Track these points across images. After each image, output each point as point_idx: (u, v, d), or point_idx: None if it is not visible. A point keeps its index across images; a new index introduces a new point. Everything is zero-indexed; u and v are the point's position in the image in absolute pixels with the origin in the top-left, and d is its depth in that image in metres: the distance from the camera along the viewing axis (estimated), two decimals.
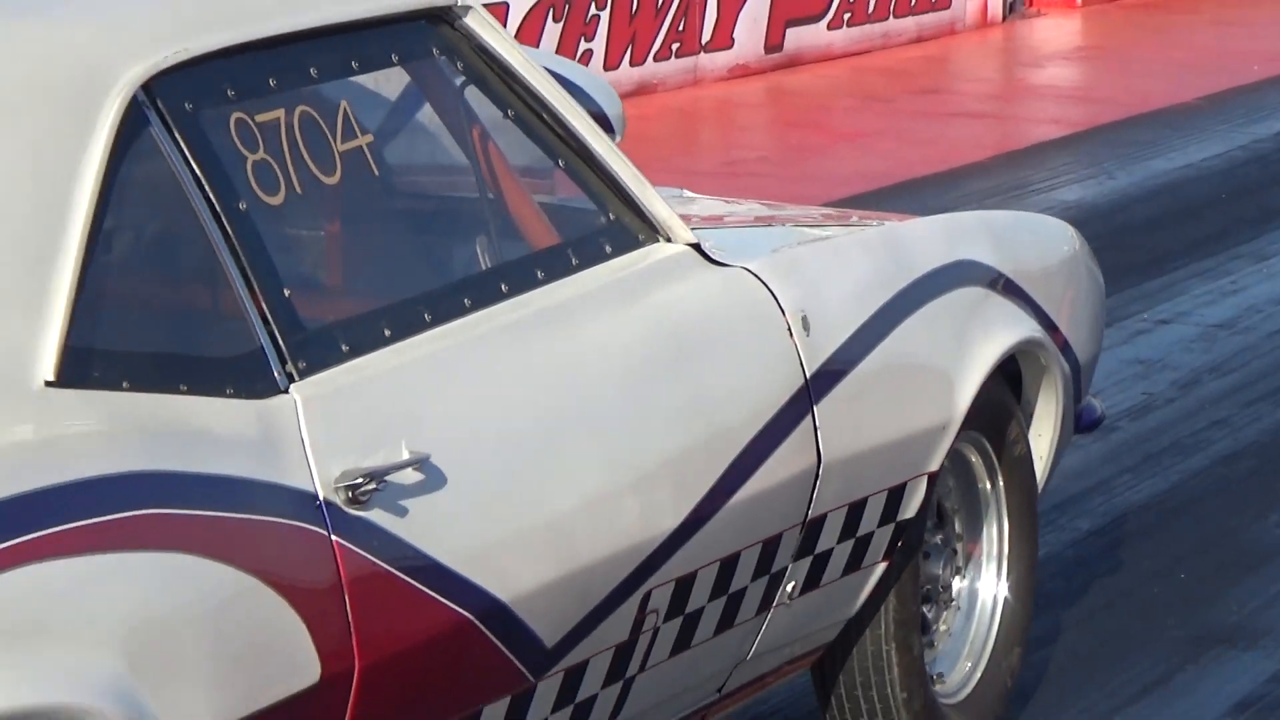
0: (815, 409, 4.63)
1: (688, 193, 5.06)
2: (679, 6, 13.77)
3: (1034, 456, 5.50)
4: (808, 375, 4.63)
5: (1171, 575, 6.27)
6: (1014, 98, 14.61)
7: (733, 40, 14.29)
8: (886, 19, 15.62)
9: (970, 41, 16.28)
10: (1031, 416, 5.55)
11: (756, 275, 4.63)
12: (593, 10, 13.00)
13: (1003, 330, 5.26)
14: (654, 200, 4.51)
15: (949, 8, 16.36)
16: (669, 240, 4.51)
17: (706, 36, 13.95)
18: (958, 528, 5.35)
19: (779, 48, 14.74)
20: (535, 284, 4.25)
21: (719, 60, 14.21)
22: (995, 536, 5.42)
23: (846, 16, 15.22)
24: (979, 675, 5.36)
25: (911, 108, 14.09)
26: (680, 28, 13.75)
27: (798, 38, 14.88)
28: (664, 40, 13.66)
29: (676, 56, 13.71)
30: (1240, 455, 7.27)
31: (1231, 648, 5.84)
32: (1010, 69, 15.95)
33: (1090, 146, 12.66)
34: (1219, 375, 8.09)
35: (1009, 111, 14.66)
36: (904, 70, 15.08)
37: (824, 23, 15.10)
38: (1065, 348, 5.54)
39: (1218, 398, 7.83)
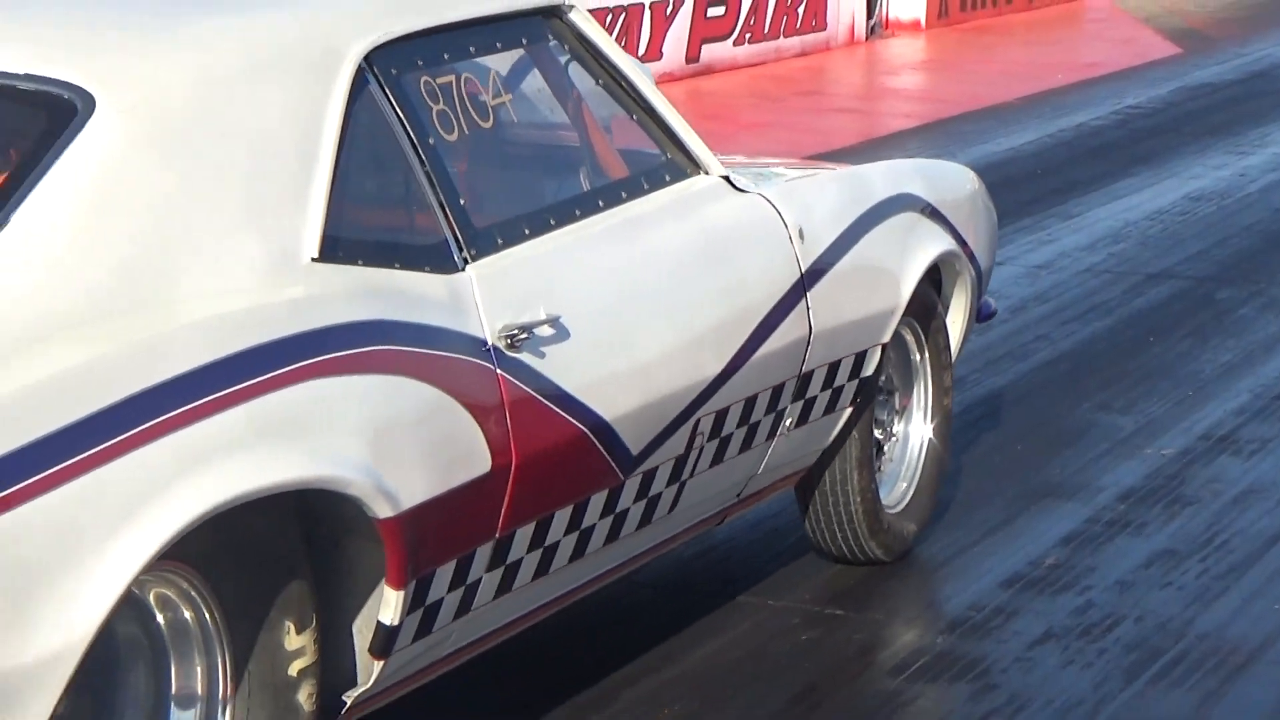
0: (808, 294, 4.79)
1: None
2: (621, 26, 13.69)
3: (950, 337, 5.67)
4: (803, 270, 4.79)
5: (1009, 448, 6.36)
6: (875, 98, 14.47)
7: (661, 54, 14.20)
8: (778, 38, 15.49)
9: (841, 55, 16.13)
10: (948, 308, 5.69)
11: (768, 199, 4.79)
12: None
13: (931, 244, 5.40)
14: (699, 145, 4.64)
15: (825, 29, 16.25)
16: (708, 174, 4.64)
17: (641, 51, 13.85)
18: (897, 385, 5.48)
19: (696, 59, 14.66)
20: (620, 201, 4.42)
21: (652, 69, 14.11)
22: (922, 393, 5.57)
23: (748, 35, 15.13)
24: (911, 492, 5.52)
25: (797, 106, 14.02)
26: (622, 44, 13.70)
27: (711, 52, 14.81)
28: None
29: None
30: (1058, 361, 7.35)
31: (1056, 499, 5.92)
32: (872, 76, 15.78)
33: (934, 135, 12.56)
34: (1041, 303, 8.14)
35: (871, 109, 14.54)
36: (791, 77, 14.96)
37: (730, 40, 15.02)
38: (971, 258, 5.66)
39: (1040, 319, 7.89)
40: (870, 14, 17.02)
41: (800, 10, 15.93)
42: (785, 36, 15.66)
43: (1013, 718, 4.54)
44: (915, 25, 17.58)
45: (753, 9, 15.27)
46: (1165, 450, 6.36)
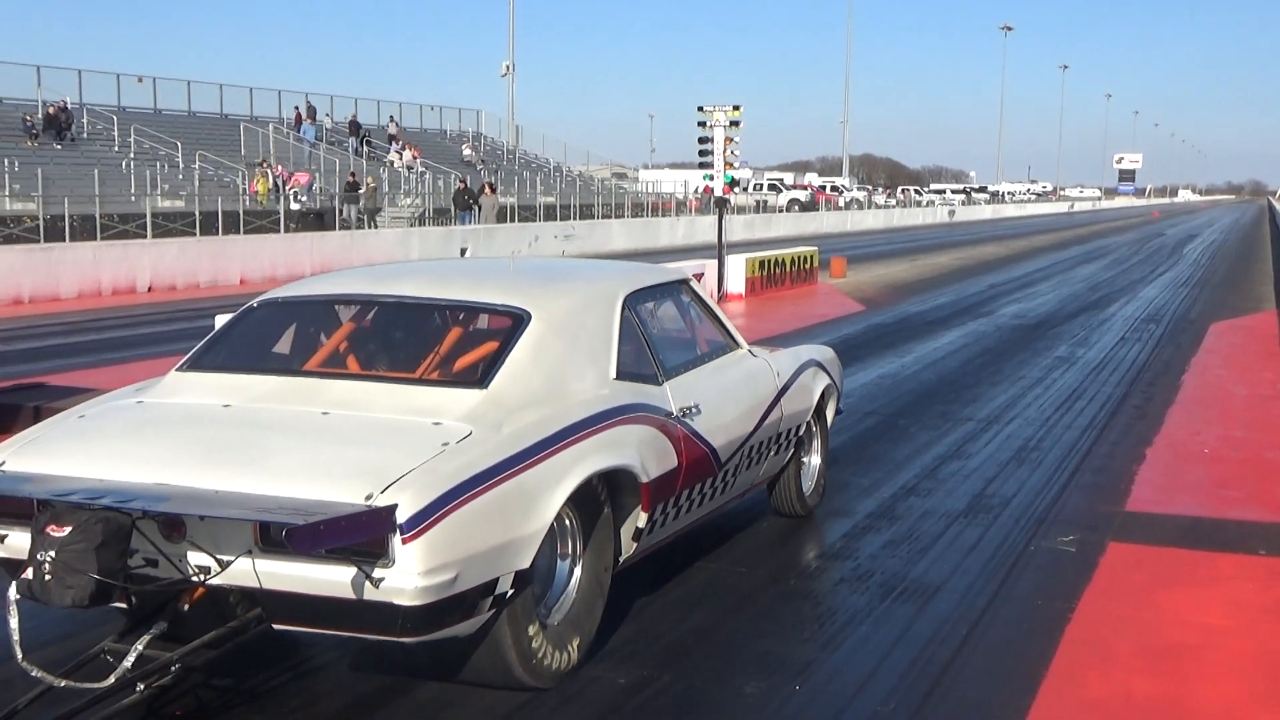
0: (780, 401, 5.06)
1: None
2: None
3: (827, 422, 5.84)
4: (778, 389, 5.06)
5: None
6: None
7: None
8: None
9: None
10: (826, 408, 5.83)
11: (765, 359, 5.12)
12: None
13: (821, 381, 5.63)
14: (739, 336, 5.03)
15: None
16: (741, 348, 4.99)
17: None
18: (805, 441, 5.64)
19: None
20: (712, 359, 4.72)
21: None
22: (817, 444, 5.76)
23: None
24: (813, 486, 5.72)
25: None
26: None
27: None
28: None
29: None
30: (829, 454, 7.25)
31: (837, 517, 5.79)
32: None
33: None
34: None
35: None
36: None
37: None
38: (836, 387, 5.85)
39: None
40: (719, 288, 17.13)
41: None
42: None
43: (831, 616, 4.55)
44: (740, 295, 17.60)
45: None
46: (884, 494, 6.31)
